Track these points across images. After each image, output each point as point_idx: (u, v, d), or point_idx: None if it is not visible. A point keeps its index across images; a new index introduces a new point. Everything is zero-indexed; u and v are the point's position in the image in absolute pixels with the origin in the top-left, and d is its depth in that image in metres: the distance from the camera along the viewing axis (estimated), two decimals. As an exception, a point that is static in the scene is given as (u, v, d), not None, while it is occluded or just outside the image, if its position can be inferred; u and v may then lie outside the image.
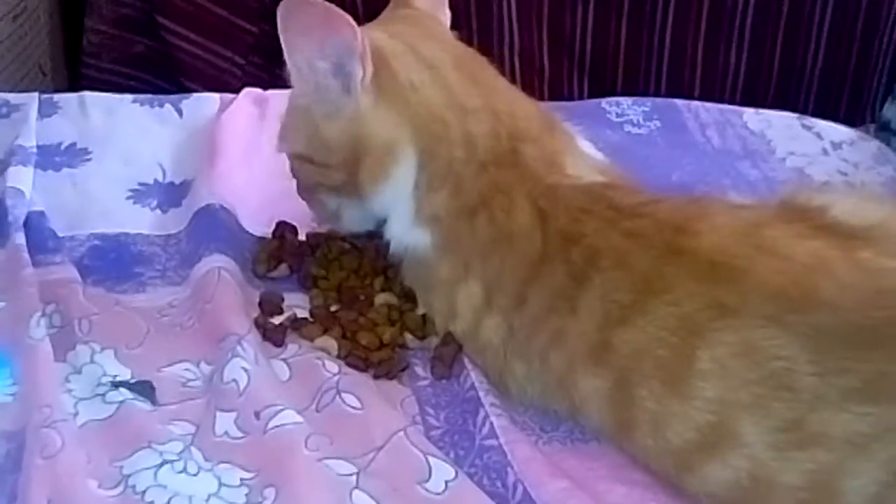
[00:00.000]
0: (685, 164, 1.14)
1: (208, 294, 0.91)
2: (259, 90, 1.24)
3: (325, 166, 0.90)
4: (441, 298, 0.88)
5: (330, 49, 0.84)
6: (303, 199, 0.97)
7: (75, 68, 1.71)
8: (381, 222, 0.92)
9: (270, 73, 1.63)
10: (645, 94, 1.33)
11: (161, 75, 1.66)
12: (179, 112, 1.20)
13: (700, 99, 1.29)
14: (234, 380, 0.82)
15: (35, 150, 1.10)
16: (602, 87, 1.54)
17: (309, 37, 0.84)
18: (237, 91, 1.24)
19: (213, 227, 0.99)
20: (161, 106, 1.21)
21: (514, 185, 0.85)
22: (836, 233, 0.76)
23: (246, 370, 0.83)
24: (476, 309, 0.85)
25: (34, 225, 0.98)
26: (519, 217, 0.84)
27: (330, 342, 0.89)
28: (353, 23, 0.84)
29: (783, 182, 1.10)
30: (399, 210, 0.89)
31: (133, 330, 0.89)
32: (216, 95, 1.23)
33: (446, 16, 0.96)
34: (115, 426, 0.80)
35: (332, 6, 0.83)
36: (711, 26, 1.55)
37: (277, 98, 1.23)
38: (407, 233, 0.89)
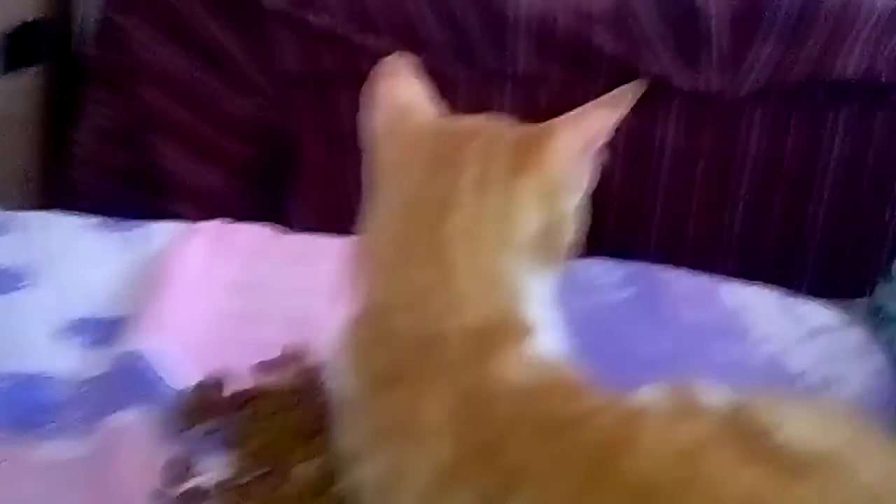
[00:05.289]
0: (655, 339, 1.06)
1: (110, 452, 0.85)
2: (219, 222, 1.19)
3: None
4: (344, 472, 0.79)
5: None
6: None
7: (59, 179, 1.68)
8: None
9: (257, 194, 1.61)
10: (633, 257, 1.24)
11: (146, 191, 1.62)
12: (130, 241, 1.14)
13: (693, 266, 1.19)
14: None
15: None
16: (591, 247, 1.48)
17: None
18: (224, 212, 1.19)
19: (133, 376, 0.93)
20: (112, 232, 1.15)
21: (434, 379, 0.75)
22: (778, 461, 0.67)
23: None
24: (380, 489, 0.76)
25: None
26: (431, 416, 0.74)
27: (233, 520, 0.82)
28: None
29: (755, 369, 1.02)
30: None
31: (20, 490, 0.82)
32: (171, 225, 1.18)
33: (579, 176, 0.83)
34: None
35: (382, 92, 0.82)
36: (709, 192, 1.48)
37: (242, 232, 1.19)
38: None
